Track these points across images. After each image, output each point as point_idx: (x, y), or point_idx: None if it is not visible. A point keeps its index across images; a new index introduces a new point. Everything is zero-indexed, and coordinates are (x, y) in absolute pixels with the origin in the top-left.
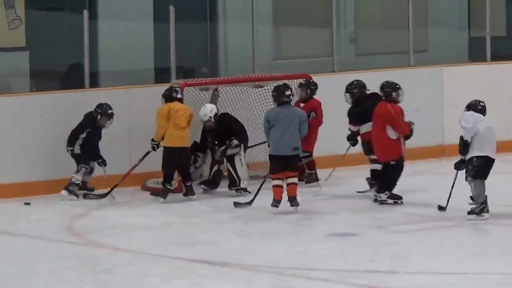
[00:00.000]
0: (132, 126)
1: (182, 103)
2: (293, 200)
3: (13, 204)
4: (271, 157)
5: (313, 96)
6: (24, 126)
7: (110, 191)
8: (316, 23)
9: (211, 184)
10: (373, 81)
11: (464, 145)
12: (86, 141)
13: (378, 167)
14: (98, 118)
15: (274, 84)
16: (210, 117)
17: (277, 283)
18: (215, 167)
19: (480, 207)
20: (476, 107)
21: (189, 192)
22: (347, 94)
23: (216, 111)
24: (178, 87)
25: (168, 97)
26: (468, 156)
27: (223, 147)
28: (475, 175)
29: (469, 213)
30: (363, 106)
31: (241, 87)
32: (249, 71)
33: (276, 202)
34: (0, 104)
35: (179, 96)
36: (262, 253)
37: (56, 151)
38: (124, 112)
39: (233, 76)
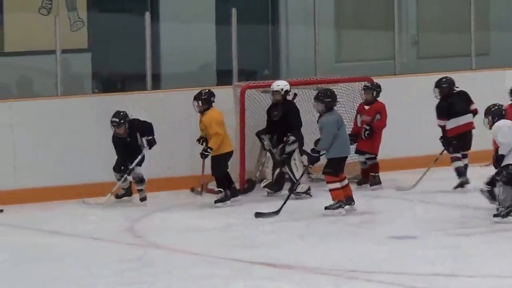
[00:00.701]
0: (193, 129)
1: None
2: (353, 200)
3: (74, 206)
4: (341, 159)
5: (377, 99)
6: (87, 127)
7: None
8: (378, 26)
9: (275, 186)
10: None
11: (498, 159)
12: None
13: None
14: None
15: (336, 87)
16: (282, 89)
17: (338, 286)
18: (277, 170)
19: (506, 210)
20: (501, 113)
21: (235, 193)
22: (436, 88)
23: (288, 89)
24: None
25: (208, 101)
26: (504, 163)
27: (280, 145)
28: (507, 181)
29: (495, 215)
30: (451, 101)
31: (303, 90)
32: (310, 73)
33: (343, 203)
34: (66, 105)
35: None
36: (323, 255)
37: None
38: (186, 115)
39: (295, 79)
